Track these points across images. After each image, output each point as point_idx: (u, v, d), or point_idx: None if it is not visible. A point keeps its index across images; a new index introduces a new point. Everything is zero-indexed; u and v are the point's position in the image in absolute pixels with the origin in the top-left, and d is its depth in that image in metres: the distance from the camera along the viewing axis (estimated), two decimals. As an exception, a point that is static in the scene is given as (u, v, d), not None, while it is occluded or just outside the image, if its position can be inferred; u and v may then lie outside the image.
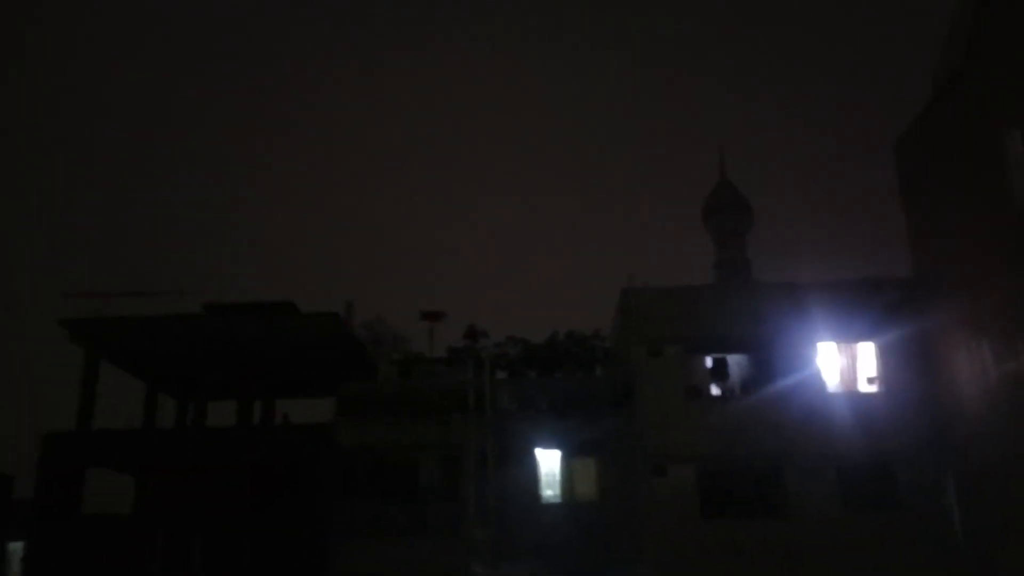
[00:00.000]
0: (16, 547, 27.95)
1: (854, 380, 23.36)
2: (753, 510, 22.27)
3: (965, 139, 20.97)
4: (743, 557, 21.34)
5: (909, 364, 22.69)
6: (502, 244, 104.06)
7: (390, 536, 22.64)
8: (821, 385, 22.84)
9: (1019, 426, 18.87)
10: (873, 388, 23.10)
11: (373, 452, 23.76)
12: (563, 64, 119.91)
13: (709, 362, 24.38)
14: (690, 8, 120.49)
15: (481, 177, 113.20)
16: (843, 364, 23.50)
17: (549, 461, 23.49)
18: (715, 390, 24.32)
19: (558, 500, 23.25)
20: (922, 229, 23.68)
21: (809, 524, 21.56)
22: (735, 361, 24.52)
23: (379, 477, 23.76)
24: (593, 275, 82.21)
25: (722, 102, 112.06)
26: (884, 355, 23.00)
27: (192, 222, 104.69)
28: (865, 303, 22.94)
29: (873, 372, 23.18)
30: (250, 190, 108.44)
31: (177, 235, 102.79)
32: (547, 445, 23.41)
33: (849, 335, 23.15)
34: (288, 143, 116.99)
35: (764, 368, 23.44)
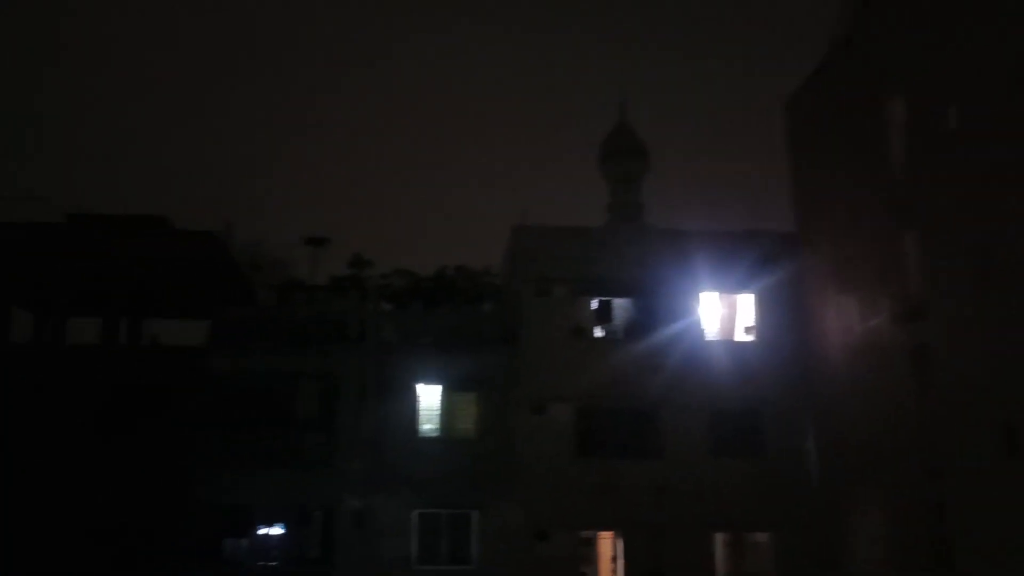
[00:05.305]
0: None
1: (732, 329, 24.09)
2: (627, 450, 22.81)
3: (852, 102, 21.50)
4: (614, 495, 21.94)
5: (784, 315, 23.49)
6: (396, 173, 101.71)
7: (262, 466, 22.02)
8: (700, 333, 23.45)
9: (875, 380, 19.91)
10: (749, 337, 23.89)
11: (248, 379, 22.92)
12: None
13: (595, 304, 24.58)
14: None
15: (374, 102, 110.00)
16: (723, 313, 24.17)
17: (430, 395, 23.24)
18: (599, 332, 24.59)
19: (436, 435, 23.14)
20: (804, 185, 24.35)
21: (680, 465, 22.31)
22: (620, 305, 24.80)
23: (253, 406, 22.86)
24: (489, 211, 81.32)
25: (625, 47, 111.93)
26: (761, 306, 23.74)
27: (68, 131, 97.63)
28: (745, 254, 23.52)
29: (750, 322, 23.94)
30: (138, 102, 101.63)
31: (49, 143, 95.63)
32: (428, 379, 23.14)
33: (730, 285, 23.76)
34: (175, 58, 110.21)
35: (648, 313, 23.81)
